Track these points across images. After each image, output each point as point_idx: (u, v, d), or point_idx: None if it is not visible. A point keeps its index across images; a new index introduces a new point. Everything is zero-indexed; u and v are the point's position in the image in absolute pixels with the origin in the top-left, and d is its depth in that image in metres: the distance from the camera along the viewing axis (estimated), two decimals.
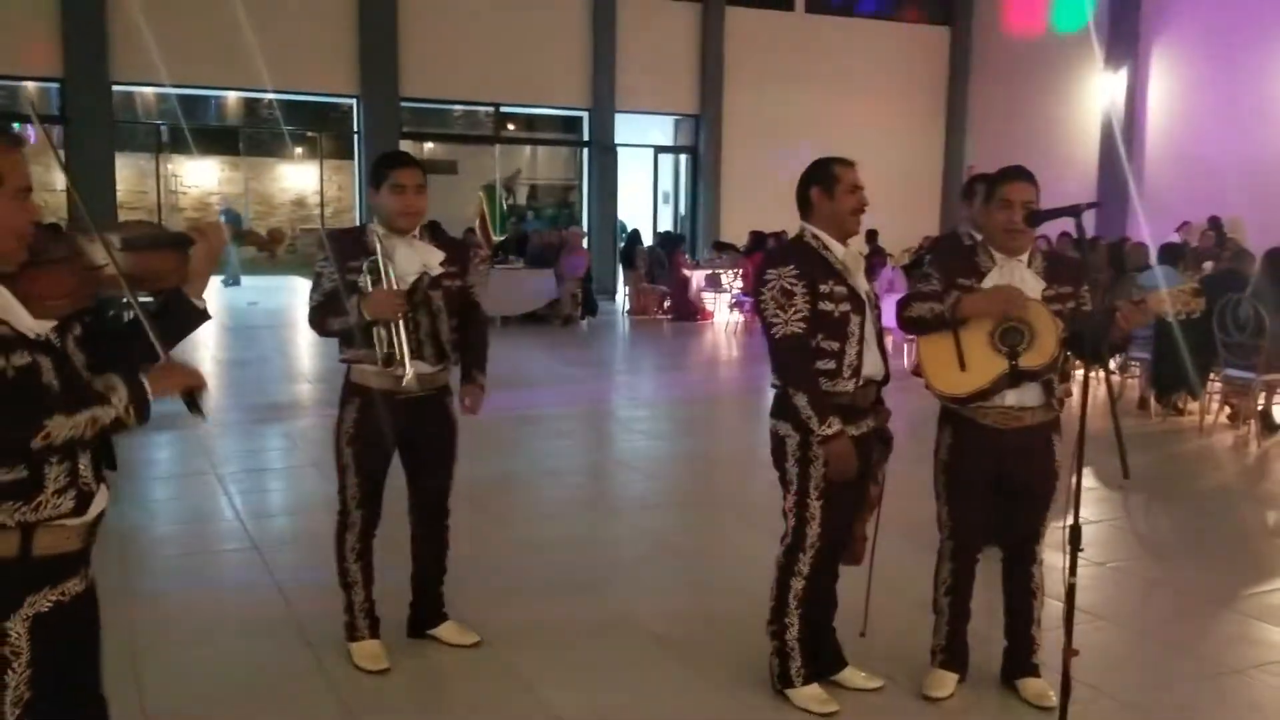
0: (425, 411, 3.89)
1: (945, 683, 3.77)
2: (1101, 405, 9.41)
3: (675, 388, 10.83)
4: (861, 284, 3.56)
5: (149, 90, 17.62)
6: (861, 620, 3.84)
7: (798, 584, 3.58)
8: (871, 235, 15.69)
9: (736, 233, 17.44)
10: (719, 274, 15.99)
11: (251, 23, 14.44)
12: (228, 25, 14.65)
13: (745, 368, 11.79)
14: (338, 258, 3.75)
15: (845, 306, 3.47)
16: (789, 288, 3.44)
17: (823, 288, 3.45)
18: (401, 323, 3.72)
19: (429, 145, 21.00)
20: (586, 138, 18.94)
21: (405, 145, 18.45)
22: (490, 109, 18.86)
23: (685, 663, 4.05)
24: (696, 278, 16.09)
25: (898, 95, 20.33)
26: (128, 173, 19.95)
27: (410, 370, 3.73)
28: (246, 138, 24.15)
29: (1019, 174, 3.58)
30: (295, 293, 17.31)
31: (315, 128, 20.68)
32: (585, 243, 16.68)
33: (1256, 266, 8.96)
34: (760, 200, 17.32)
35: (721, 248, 17.23)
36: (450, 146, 21.29)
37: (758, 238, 15.19)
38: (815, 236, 3.55)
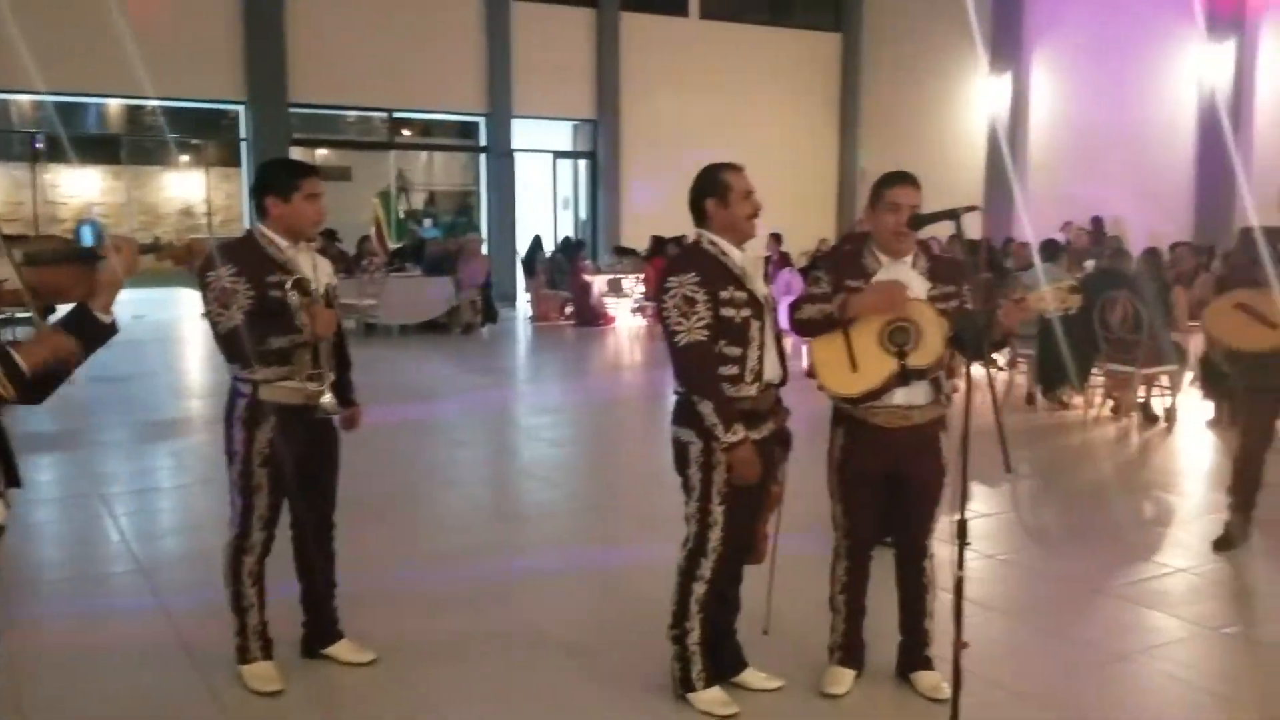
0: (318, 427, 3.81)
1: (842, 679, 3.83)
2: (983, 402, 9.68)
3: (578, 394, 10.81)
4: (760, 288, 3.61)
5: (24, 98, 16.96)
6: (764, 619, 3.87)
7: (699, 589, 3.60)
8: (776, 238, 15.90)
9: (637, 237, 17.51)
10: (620, 279, 16.03)
11: (131, 27, 13.98)
12: (106, 30, 14.14)
13: (648, 372, 11.82)
14: (250, 273, 3.62)
15: (746, 312, 3.50)
16: (691, 295, 3.46)
17: (723, 294, 3.48)
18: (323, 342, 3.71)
19: (321, 152, 20.61)
20: (484, 143, 18.80)
21: (296, 152, 18.07)
22: (384, 114, 18.59)
23: (589, 671, 4.03)
24: (598, 283, 16.10)
25: (793, 100, 20.64)
26: (3, 183, 19.18)
27: (330, 395, 3.72)
28: (128, 146, 23.38)
29: (902, 178, 3.66)
30: (182, 304, 16.83)
31: (200, 135, 20.15)
32: (484, 249, 16.55)
33: (1135, 264, 9.33)
34: (661, 204, 17.43)
35: (622, 253, 17.28)
36: (343, 153, 20.92)
37: (659, 242, 15.27)
38: (713, 243, 3.58)
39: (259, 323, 3.59)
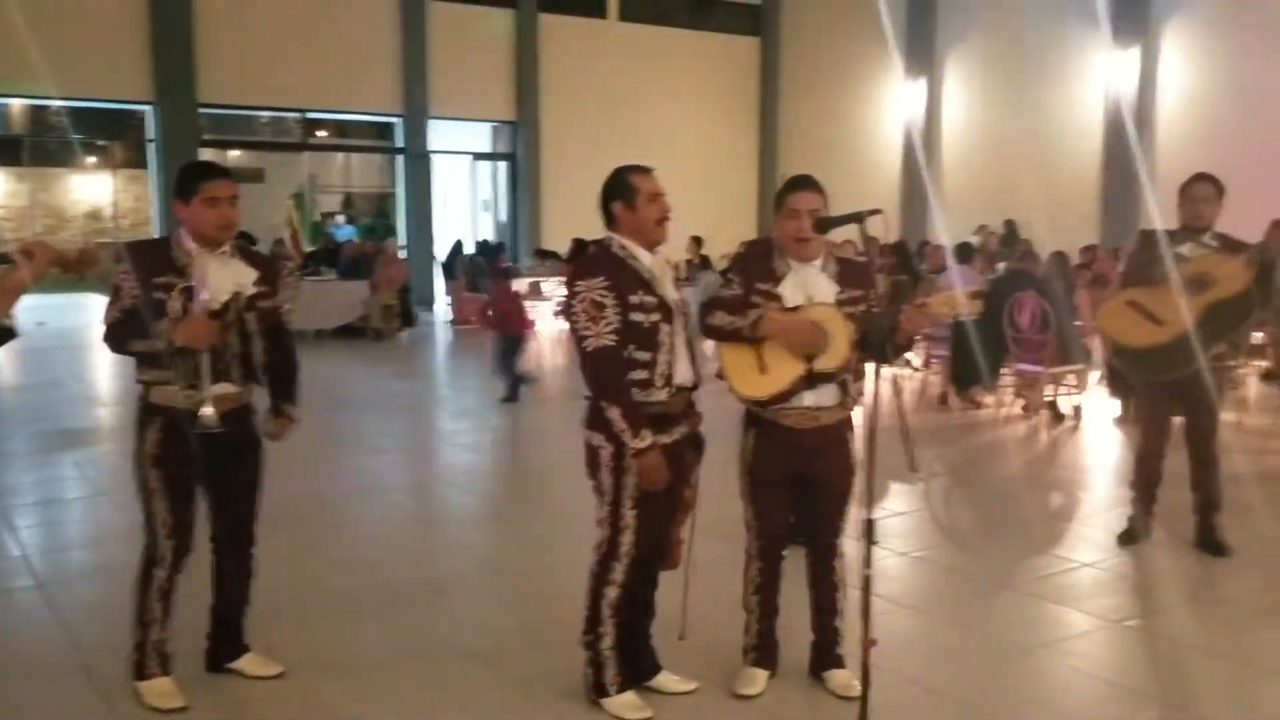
0: (229, 433, 3.70)
1: (756, 680, 3.84)
2: (901, 402, 9.84)
3: (497, 397, 10.72)
4: (670, 292, 3.60)
5: None
6: (679, 624, 3.86)
7: (612, 593, 3.59)
8: (697, 241, 15.96)
9: (559, 240, 17.44)
10: (541, 282, 15.95)
11: (33, 25, 13.55)
12: (7, 28, 13.71)
13: (568, 376, 11.77)
14: (140, 273, 3.53)
15: (655, 316, 3.50)
16: (599, 300, 3.45)
17: (633, 298, 3.47)
18: (208, 352, 3.57)
19: (233, 153, 20.20)
20: (400, 144, 18.60)
21: (206, 153, 17.70)
22: (298, 115, 18.28)
23: (501, 678, 3.99)
24: (518, 286, 15.98)
25: (713, 103, 20.77)
26: None
27: (210, 408, 3.57)
28: (31, 147, 22.66)
29: (804, 184, 3.71)
30: (89, 311, 16.34)
31: (107, 136, 19.60)
32: (402, 253, 16.37)
33: (1043, 266, 9.55)
34: (582, 207, 17.38)
35: (543, 255, 17.20)
36: (256, 154, 20.53)
37: (580, 245, 15.21)
38: (622, 246, 3.57)
39: (130, 322, 3.54)
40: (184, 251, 3.60)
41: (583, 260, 3.67)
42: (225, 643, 3.96)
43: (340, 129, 20.39)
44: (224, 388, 3.65)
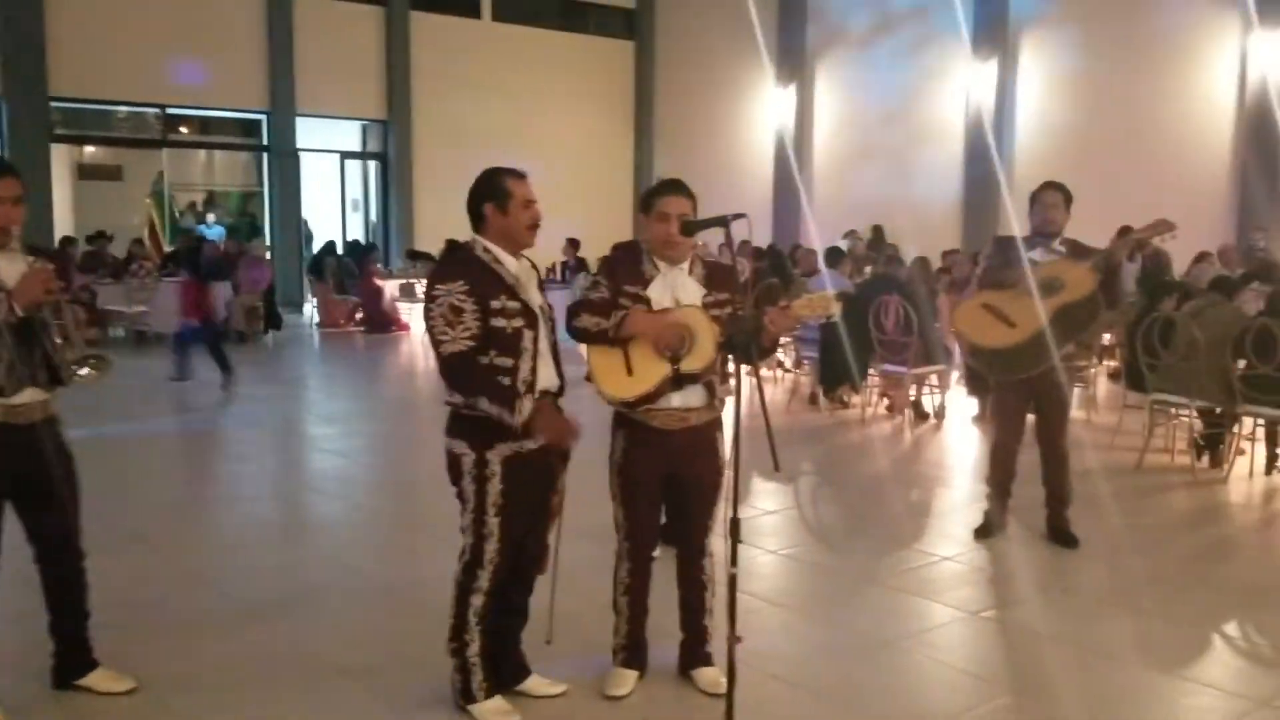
0: (35, 441, 3.53)
1: (625, 680, 3.86)
2: (771, 402, 10.00)
3: (367, 402, 10.54)
4: (535, 297, 3.58)
5: None
6: (547, 629, 3.84)
7: (477, 600, 3.55)
8: (573, 243, 15.93)
9: (432, 241, 17.19)
10: (414, 283, 15.72)
11: None
12: None
13: (441, 378, 11.60)
14: None
15: (518, 322, 3.46)
16: (458, 304, 3.40)
17: (494, 303, 3.44)
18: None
19: (89, 149, 19.33)
20: (266, 142, 18.09)
21: (59, 149, 16.96)
22: (157, 110, 17.61)
23: (366, 689, 3.91)
24: (390, 288, 15.74)
25: (587, 105, 20.77)
26: None
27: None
28: None
29: (673, 187, 3.75)
30: None
31: None
32: (268, 253, 15.92)
33: (907, 270, 9.84)
34: (455, 207, 17.17)
35: (416, 256, 16.93)
36: (114, 151, 19.65)
37: (453, 246, 15.01)
38: (486, 249, 3.52)
39: None
40: None
41: (443, 263, 3.63)
42: (71, 658, 3.79)
43: (203, 125, 19.69)
44: (32, 394, 3.52)
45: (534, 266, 3.71)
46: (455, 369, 3.43)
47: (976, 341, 5.64)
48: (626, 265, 3.82)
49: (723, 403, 3.80)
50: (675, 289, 3.73)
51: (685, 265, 3.77)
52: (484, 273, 3.47)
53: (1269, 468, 7.18)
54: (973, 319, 5.58)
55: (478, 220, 3.56)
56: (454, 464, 3.55)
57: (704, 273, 3.79)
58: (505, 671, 3.74)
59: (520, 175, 3.60)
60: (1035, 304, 5.29)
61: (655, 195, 3.75)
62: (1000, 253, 5.73)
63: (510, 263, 3.53)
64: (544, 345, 3.55)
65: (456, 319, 3.39)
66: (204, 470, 7.39)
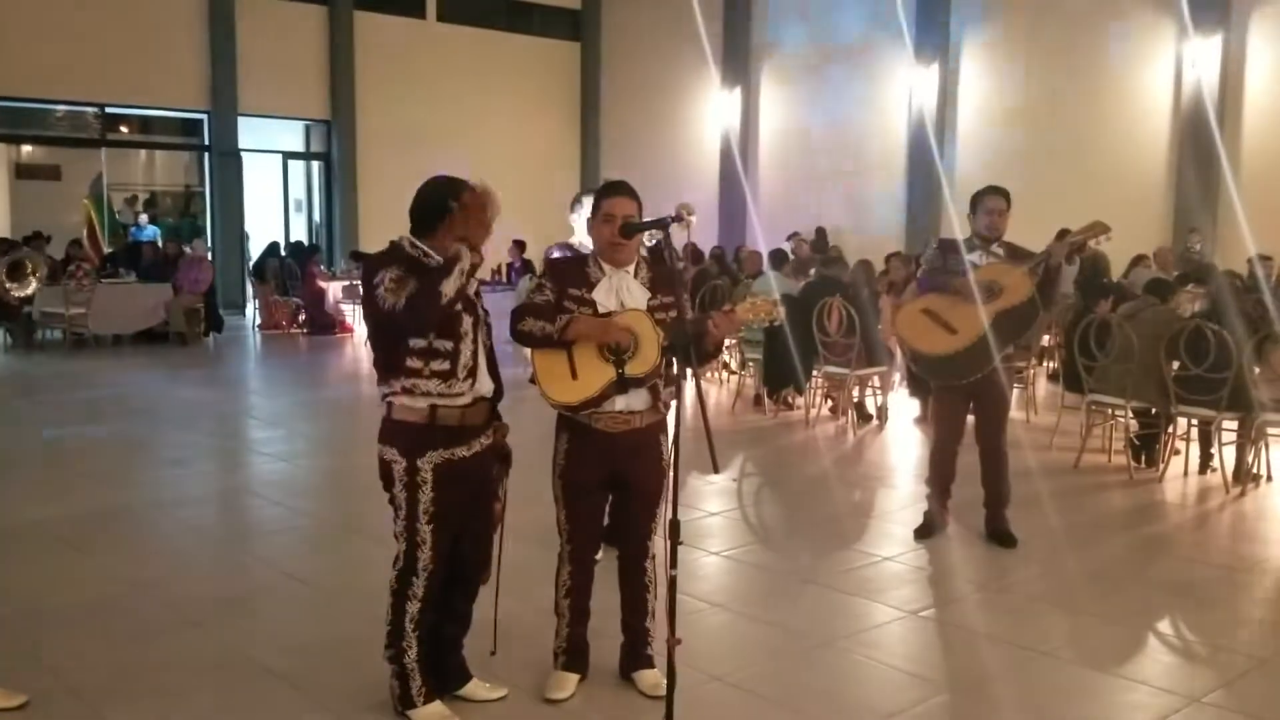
0: None
1: (566, 684, 3.84)
2: (716, 404, 10.05)
3: (309, 405, 10.41)
4: (468, 289, 3.52)
5: None
6: (491, 639, 3.82)
7: (413, 607, 3.52)
8: (519, 245, 15.87)
9: (376, 242, 17.04)
10: (357, 285, 15.55)
11: None
12: None
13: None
14: None
15: (458, 305, 3.44)
16: (401, 276, 3.37)
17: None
18: None
19: (26, 148, 18.94)
20: (207, 142, 17.82)
21: None
22: (96, 109, 17.27)
23: (305, 696, 3.86)
24: (333, 289, 15.57)
25: (533, 107, 20.70)
26: None
27: None
28: None
29: (618, 189, 3.74)
30: None
31: None
32: (209, 255, 15.68)
33: (849, 273, 9.91)
34: (400, 208, 17.01)
35: (359, 258, 16.76)
36: (51, 150, 19.25)
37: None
38: (415, 245, 3.48)
39: None
40: None
41: (375, 256, 3.57)
42: None
43: (143, 124, 19.35)
44: None
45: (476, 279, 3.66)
46: (408, 316, 3.35)
47: (918, 348, 5.68)
48: (572, 268, 3.82)
49: (667, 406, 3.79)
50: (621, 292, 3.72)
51: (631, 268, 3.76)
52: (415, 264, 3.44)
53: (1202, 467, 7.33)
54: (914, 325, 5.62)
55: (436, 221, 3.47)
56: (386, 470, 3.53)
57: (650, 275, 3.79)
58: (446, 676, 3.72)
59: (469, 186, 3.53)
60: (975, 309, 5.35)
61: (600, 197, 3.75)
62: (940, 256, 5.79)
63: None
64: (482, 337, 3.54)
65: (400, 288, 3.35)
66: (142, 475, 7.25)
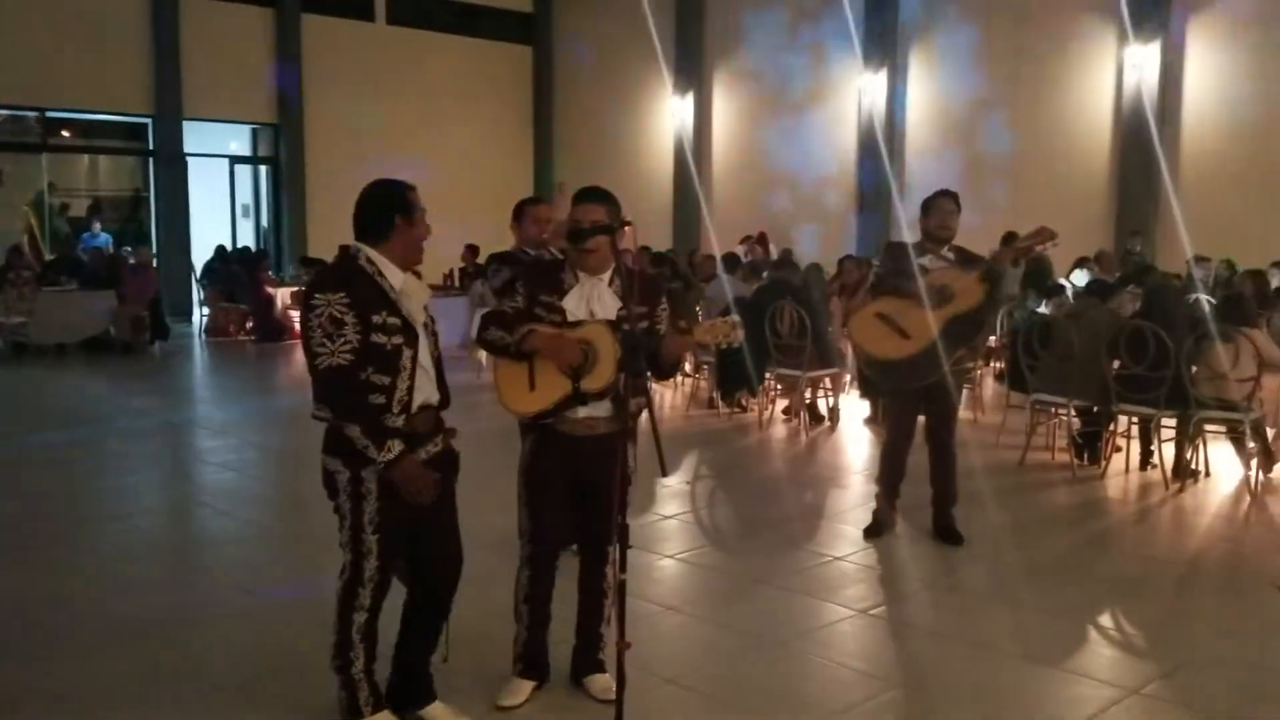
0: None
1: (520, 690, 3.84)
2: (671, 407, 10.09)
3: (258, 414, 10.30)
4: (418, 314, 3.48)
5: None
6: (443, 645, 3.74)
7: (360, 618, 3.47)
8: (472, 249, 15.82)
9: (325, 247, 16.88)
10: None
11: None
12: None
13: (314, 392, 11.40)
14: None
15: (398, 339, 3.36)
16: (339, 316, 3.28)
17: (375, 319, 3.32)
18: None
19: None
20: (151, 147, 17.57)
21: None
22: (36, 114, 16.97)
23: (250, 705, 3.84)
24: (282, 295, 15.41)
25: (486, 111, 20.63)
26: None
27: None
28: None
29: (588, 195, 3.72)
30: None
31: None
32: (154, 261, 15.46)
33: (800, 275, 9.99)
34: (350, 213, 16.84)
35: (308, 263, 16.60)
36: None
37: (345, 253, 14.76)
38: (370, 261, 3.40)
39: None
40: None
41: (324, 271, 3.53)
42: None
43: (85, 129, 19.05)
44: None
45: (427, 284, 3.65)
46: (331, 385, 3.31)
47: (872, 353, 5.73)
48: (545, 274, 3.82)
49: (636, 416, 3.78)
50: (591, 300, 3.71)
51: (605, 276, 3.75)
52: (367, 285, 3.35)
53: (1143, 464, 7.48)
54: (867, 330, 5.67)
55: (383, 231, 3.41)
56: (330, 481, 3.48)
57: (624, 285, 3.75)
58: (411, 693, 3.66)
59: (414, 187, 3.53)
60: (928, 314, 5.41)
61: (573, 203, 3.74)
62: (892, 259, 5.86)
63: (396, 277, 3.42)
64: (425, 360, 3.46)
65: (336, 331, 3.28)
66: (87, 486, 7.13)
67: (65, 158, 19.27)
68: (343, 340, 3.28)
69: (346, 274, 3.38)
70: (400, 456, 3.32)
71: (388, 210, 3.41)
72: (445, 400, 3.59)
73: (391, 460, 3.31)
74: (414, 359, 3.40)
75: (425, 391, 3.47)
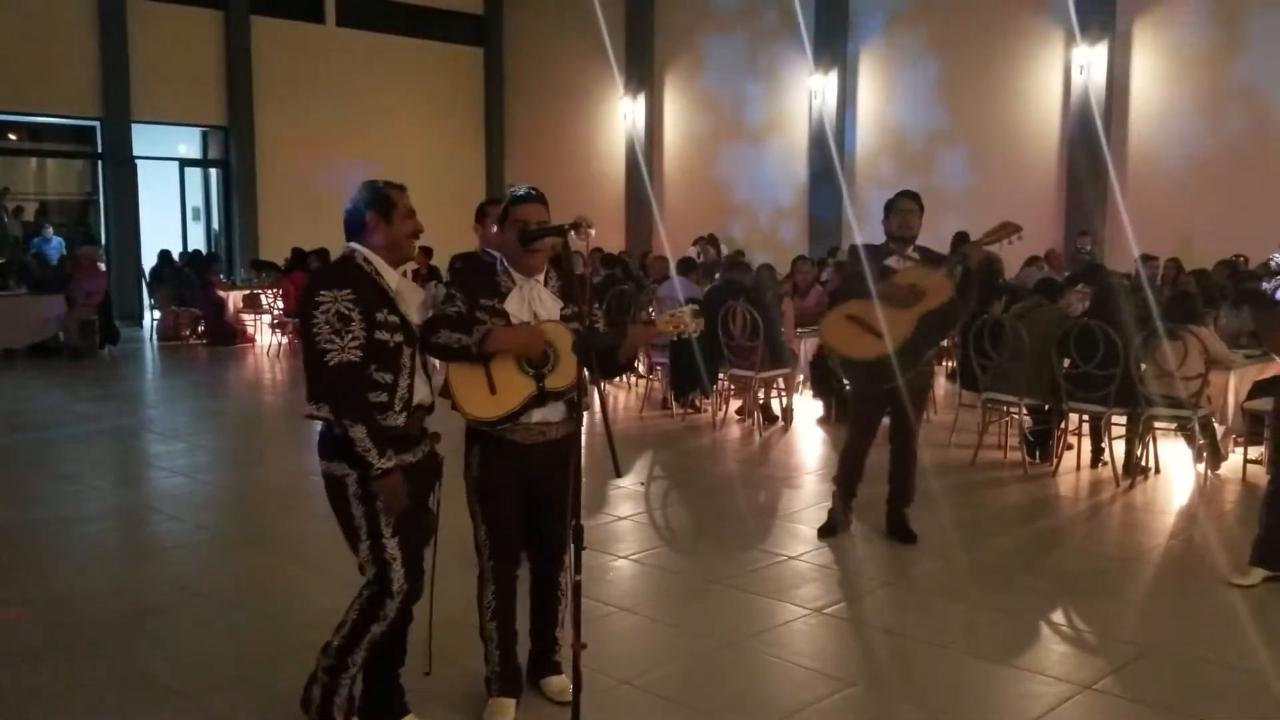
0: None
1: (505, 710, 3.73)
2: (624, 408, 10.09)
3: (209, 418, 10.18)
4: (413, 314, 3.46)
5: None
6: (425, 658, 3.68)
7: (378, 629, 3.38)
8: (426, 252, 15.73)
9: (277, 250, 16.72)
10: (258, 294, 15.26)
11: None
12: None
13: (289, 391, 11.33)
14: None
15: (399, 337, 3.34)
16: (345, 312, 3.24)
17: (378, 316, 3.30)
18: None
19: None
20: (100, 149, 17.30)
21: None
22: None
23: (202, 711, 3.80)
24: (233, 299, 15.23)
25: (438, 113, 20.54)
26: None
27: None
28: None
29: (530, 197, 3.68)
30: None
31: None
32: (102, 264, 15.21)
33: (751, 276, 10.02)
34: (300, 215, 16.74)
35: (260, 266, 16.43)
36: None
37: (299, 255, 14.64)
38: (367, 260, 3.38)
39: None
40: None
41: (327, 269, 3.47)
42: None
43: (32, 132, 18.72)
44: None
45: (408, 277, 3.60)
46: (341, 382, 3.23)
47: (845, 354, 5.73)
48: (481, 278, 3.72)
49: (582, 417, 3.76)
50: (533, 302, 3.66)
51: (541, 276, 3.72)
52: (368, 283, 3.33)
53: (1094, 461, 7.59)
54: (839, 331, 5.68)
55: (358, 228, 3.40)
56: (336, 488, 3.35)
57: (559, 284, 3.75)
58: (387, 706, 3.59)
59: (400, 187, 3.48)
60: (899, 313, 5.45)
61: (511, 204, 3.67)
62: (859, 261, 5.87)
63: (391, 276, 3.40)
64: (419, 361, 3.45)
65: (344, 327, 3.22)
66: (35, 491, 7.01)
67: (13, 161, 18.95)
68: (351, 336, 3.23)
69: (349, 271, 3.35)
70: (393, 469, 3.28)
71: (360, 208, 3.41)
72: (432, 402, 3.55)
73: (387, 469, 3.26)
74: (413, 357, 3.39)
75: (421, 391, 3.44)
